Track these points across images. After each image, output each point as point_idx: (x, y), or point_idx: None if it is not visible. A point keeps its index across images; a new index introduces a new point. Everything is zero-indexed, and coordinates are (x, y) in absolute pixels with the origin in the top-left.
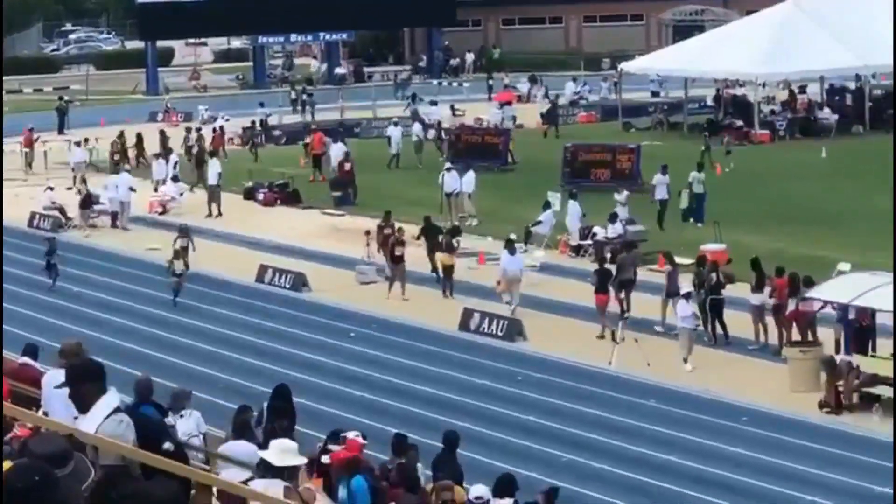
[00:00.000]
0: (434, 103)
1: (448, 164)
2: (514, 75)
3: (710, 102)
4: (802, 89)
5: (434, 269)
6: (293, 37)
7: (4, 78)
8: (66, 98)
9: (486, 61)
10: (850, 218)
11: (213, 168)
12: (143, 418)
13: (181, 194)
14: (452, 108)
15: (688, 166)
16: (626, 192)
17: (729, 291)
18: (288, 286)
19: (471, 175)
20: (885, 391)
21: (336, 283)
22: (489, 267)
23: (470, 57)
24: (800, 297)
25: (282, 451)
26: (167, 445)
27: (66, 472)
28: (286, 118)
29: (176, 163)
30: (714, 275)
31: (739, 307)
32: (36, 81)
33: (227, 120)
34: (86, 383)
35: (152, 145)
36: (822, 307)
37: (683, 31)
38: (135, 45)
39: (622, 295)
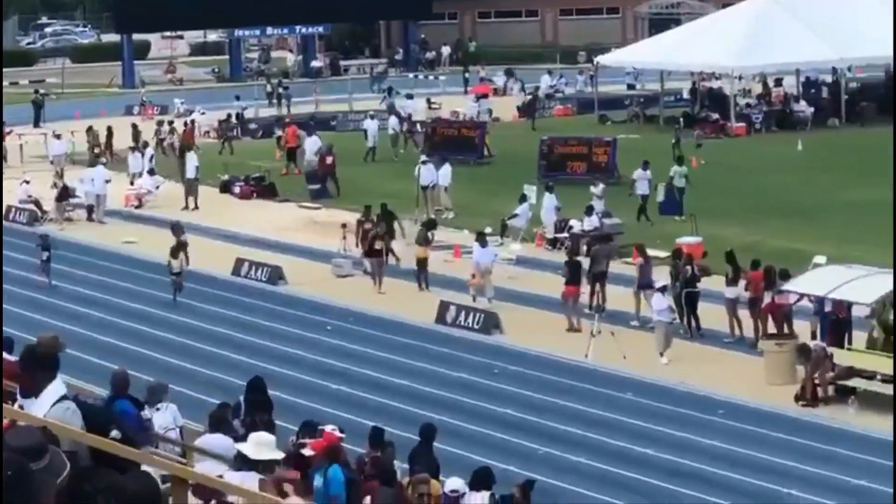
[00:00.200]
0: (410, 96)
1: (424, 158)
2: (490, 68)
3: (686, 95)
4: (778, 82)
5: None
6: (269, 30)
7: None
8: (41, 91)
9: (462, 54)
10: (826, 211)
11: (191, 161)
12: (89, 406)
13: (157, 187)
14: (428, 101)
15: (664, 159)
16: (601, 185)
17: (706, 284)
18: (264, 279)
19: (447, 168)
20: (860, 384)
21: (312, 276)
22: (466, 260)
23: (446, 50)
24: (776, 289)
25: (259, 445)
26: (114, 433)
27: (41, 466)
28: (262, 111)
29: (152, 156)
30: (689, 268)
31: (716, 300)
32: (12, 75)
33: (203, 113)
34: (39, 370)
35: (125, 138)
36: (799, 300)
37: (659, 24)
38: (111, 38)
39: (597, 288)
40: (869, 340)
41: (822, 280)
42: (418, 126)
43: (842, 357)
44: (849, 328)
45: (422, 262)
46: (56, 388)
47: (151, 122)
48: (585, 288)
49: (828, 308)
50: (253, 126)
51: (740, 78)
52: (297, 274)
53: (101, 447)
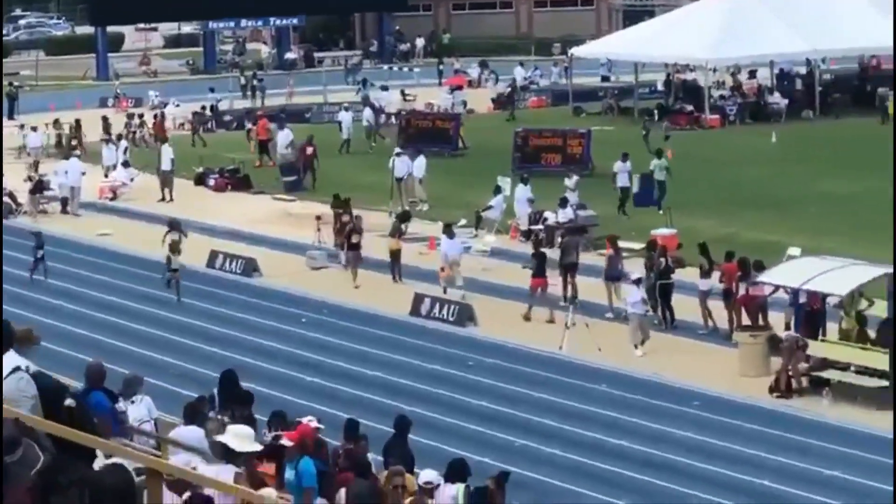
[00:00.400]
0: (385, 88)
1: (398, 149)
2: (464, 60)
3: (660, 87)
4: (752, 74)
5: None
6: (243, 22)
7: None
8: (15, 83)
9: (436, 46)
10: (800, 202)
11: (167, 154)
12: (43, 376)
13: (132, 180)
14: (403, 93)
15: (638, 151)
16: (575, 177)
17: (681, 276)
18: (239, 271)
19: (421, 160)
20: (834, 375)
21: (287, 268)
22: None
23: (420, 42)
24: (750, 281)
25: (237, 437)
26: (69, 402)
27: (14, 459)
28: (237, 103)
29: (126, 148)
30: (663, 259)
31: (690, 292)
32: None
33: (178, 105)
34: None
35: (96, 131)
36: (774, 291)
37: (634, 15)
38: (85, 30)
39: (568, 279)
40: (840, 332)
41: (796, 271)
42: (383, 118)
43: (816, 348)
44: (823, 320)
45: (395, 254)
46: (10, 360)
47: (124, 114)
48: (555, 280)
49: (802, 299)
50: (227, 118)
51: (714, 70)
52: (271, 266)
53: (66, 436)
